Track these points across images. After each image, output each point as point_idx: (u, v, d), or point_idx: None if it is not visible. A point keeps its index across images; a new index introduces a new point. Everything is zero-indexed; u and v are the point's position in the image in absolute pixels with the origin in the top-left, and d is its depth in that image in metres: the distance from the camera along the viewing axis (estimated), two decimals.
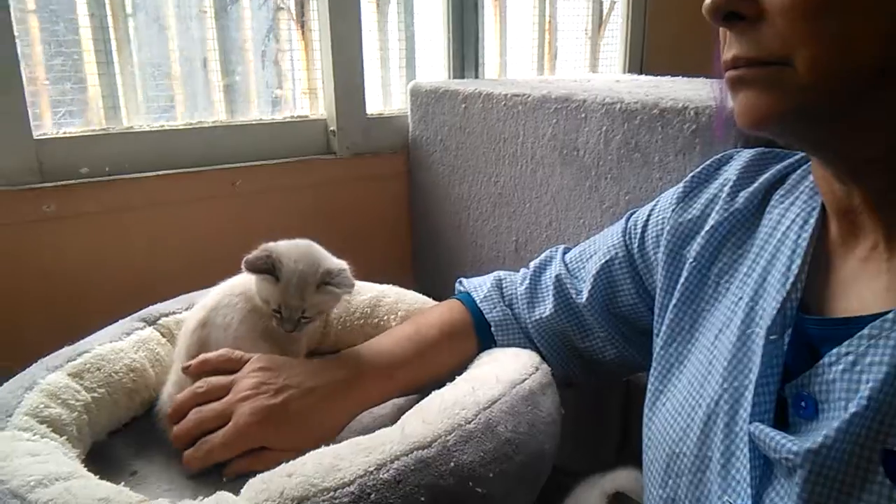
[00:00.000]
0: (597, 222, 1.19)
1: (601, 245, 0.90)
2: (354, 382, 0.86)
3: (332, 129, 1.55)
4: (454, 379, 0.90)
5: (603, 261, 0.88)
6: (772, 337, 0.56)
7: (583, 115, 1.19)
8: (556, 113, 1.24)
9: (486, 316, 0.99)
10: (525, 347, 0.97)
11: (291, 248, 0.92)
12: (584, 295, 0.90)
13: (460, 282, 1.12)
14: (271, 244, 0.94)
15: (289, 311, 0.88)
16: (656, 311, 0.76)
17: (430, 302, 1.15)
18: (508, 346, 0.98)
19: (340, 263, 0.96)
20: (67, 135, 1.28)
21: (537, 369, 0.94)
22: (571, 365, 0.97)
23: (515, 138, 1.33)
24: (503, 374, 0.90)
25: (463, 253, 1.52)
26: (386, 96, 1.74)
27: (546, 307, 0.94)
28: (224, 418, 0.80)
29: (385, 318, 1.15)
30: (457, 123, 1.47)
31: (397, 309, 1.15)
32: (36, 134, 1.23)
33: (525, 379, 0.91)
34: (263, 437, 0.78)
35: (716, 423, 0.60)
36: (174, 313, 1.08)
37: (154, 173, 1.32)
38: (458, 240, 1.52)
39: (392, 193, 1.64)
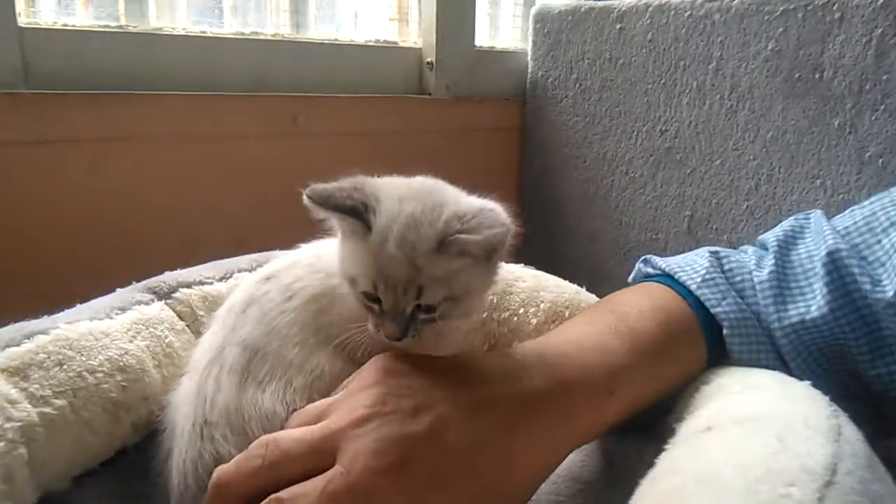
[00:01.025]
0: (851, 182, 0.77)
1: None
2: (558, 400, 0.51)
3: (428, 60, 1.15)
4: (677, 414, 0.55)
5: None
6: None
7: (835, 17, 0.77)
8: (785, 18, 0.82)
9: (714, 310, 0.63)
10: (770, 365, 0.62)
11: (398, 184, 0.55)
12: (890, 287, 0.57)
13: (646, 260, 0.71)
14: (362, 177, 0.54)
15: (391, 294, 0.49)
16: None
17: (589, 295, 0.73)
18: (748, 359, 0.62)
19: (485, 204, 0.56)
20: (67, 27, 0.89)
21: (836, 409, 0.52)
22: (841, 398, 0.58)
23: (705, 63, 0.92)
24: (810, 416, 0.48)
25: (600, 234, 1.10)
26: (493, 29, 1.35)
27: (812, 303, 0.61)
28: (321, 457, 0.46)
29: (520, 311, 0.74)
30: (605, 54, 1.06)
31: (538, 300, 0.74)
32: (22, 21, 0.84)
33: (841, 426, 0.49)
34: (397, 494, 0.43)
35: None
36: (202, 283, 0.69)
37: (185, 93, 0.92)
38: (591, 216, 1.11)
39: (500, 151, 1.24)
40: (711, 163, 0.95)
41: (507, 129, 1.27)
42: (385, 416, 0.45)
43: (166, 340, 0.60)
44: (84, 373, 0.53)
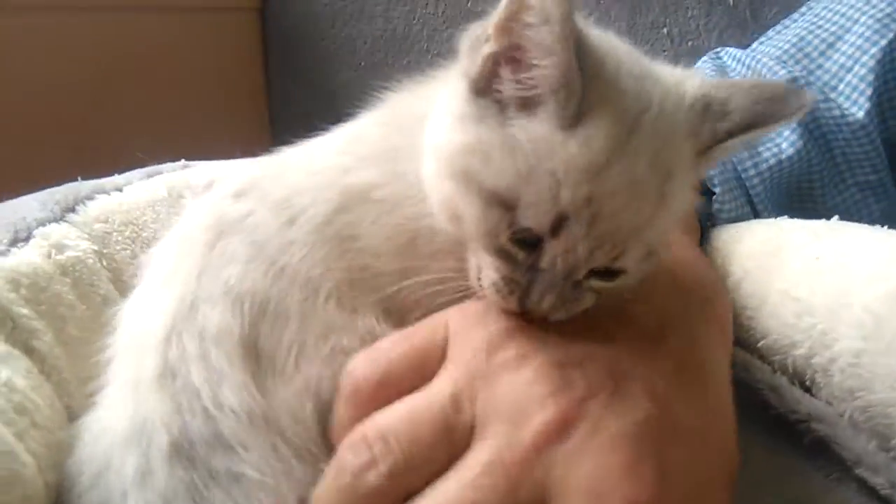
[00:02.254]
0: (701, 27, 0.73)
1: (844, 21, 0.58)
2: (715, 307, 0.39)
3: None
4: None
5: (882, 43, 0.55)
6: None
7: None
8: None
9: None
10: (746, 216, 0.57)
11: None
12: (859, 108, 0.56)
13: None
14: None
15: (578, 245, 0.30)
16: None
17: None
18: (735, 216, 0.57)
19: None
20: None
21: None
22: None
23: None
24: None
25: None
26: None
27: (783, 142, 0.58)
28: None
29: None
30: None
31: None
32: None
33: None
34: None
35: None
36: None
37: None
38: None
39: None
40: None
41: (244, 7, 0.97)
42: (588, 407, 0.27)
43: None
44: None
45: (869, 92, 0.56)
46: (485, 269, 0.30)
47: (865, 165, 0.58)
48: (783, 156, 0.58)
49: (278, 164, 0.36)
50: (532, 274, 0.30)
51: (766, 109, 0.31)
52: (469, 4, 0.84)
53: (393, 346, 0.30)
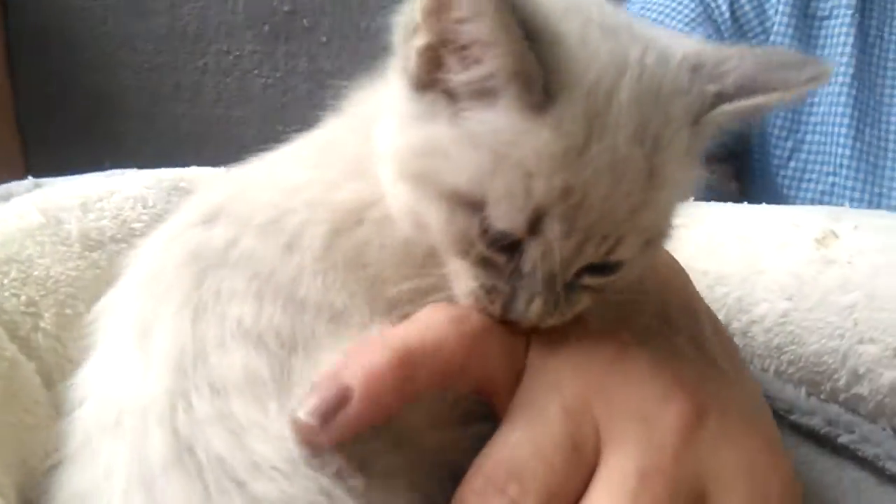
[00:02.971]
0: None
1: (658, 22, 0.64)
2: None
3: None
4: None
5: None
6: None
7: None
8: None
9: None
10: None
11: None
12: None
13: None
14: None
15: (566, 242, 0.26)
16: None
17: None
18: None
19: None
20: None
21: None
22: None
23: None
24: None
25: (200, 138, 0.81)
26: None
27: None
28: None
29: None
30: None
31: None
32: None
33: None
34: None
35: None
36: None
37: None
38: (176, 116, 0.79)
39: None
40: (353, 27, 0.79)
41: None
42: (708, 390, 0.26)
43: None
44: None
45: None
46: (462, 277, 0.27)
47: None
48: None
49: (240, 183, 0.29)
50: (515, 279, 0.26)
51: (770, 76, 0.28)
52: (275, 3, 0.77)
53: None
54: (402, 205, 0.27)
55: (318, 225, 0.26)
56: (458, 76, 0.26)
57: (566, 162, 0.25)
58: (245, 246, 0.27)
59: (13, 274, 0.28)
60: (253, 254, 0.26)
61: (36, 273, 0.28)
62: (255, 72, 0.81)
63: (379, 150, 0.28)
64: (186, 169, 0.44)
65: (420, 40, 0.25)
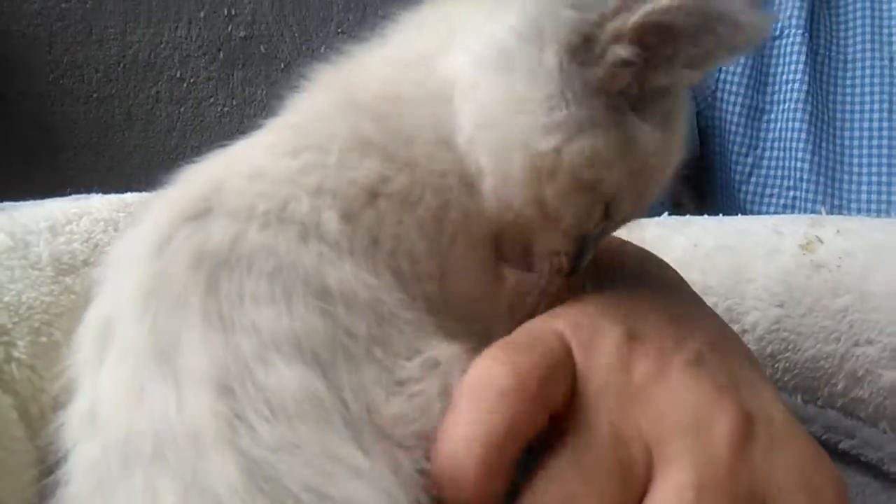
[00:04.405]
0: None
1: None
2: None
3: None
4: None
5: None
6: None
7: None
8: None
9: None
10: None
11: None
12: None
13: None
14: None
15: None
16: None
17: None
18: None
19: None
20: None
21: None
22: None
23: None
24: None
25: (152, 173, 0.78)
26: None
27: None
28: None
29: None
30: None
31: None
32: None
33: None
34: None
35: None
36: None
37: None
38: (126, 150, 0.76)
39: None
40: (312, 52, 0.78)
41: None
42: (747, 396, 0.26)
43: None
44: None
45: None
46: (548, 245, 0.28)
47: None
48: None
49: (212, 177, 0.27)
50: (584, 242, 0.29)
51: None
52: (230, 28, 0.75)
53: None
54: (525, 198, 0.27)
55: (326, 211, 0.25)
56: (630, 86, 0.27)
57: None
58: (252, 241, 0.24)
59: None
60: (262, 249, 0.24)
61: (6, 299, 0.26)
62: (211, 99, 0.79)
63: (486, 140, 0.27)
64: (152, 193, 0.42)
65: (624, 53, 0.26)
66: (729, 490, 0.22)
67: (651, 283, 0.31)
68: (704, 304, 0.33)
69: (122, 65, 0.75)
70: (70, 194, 0.79)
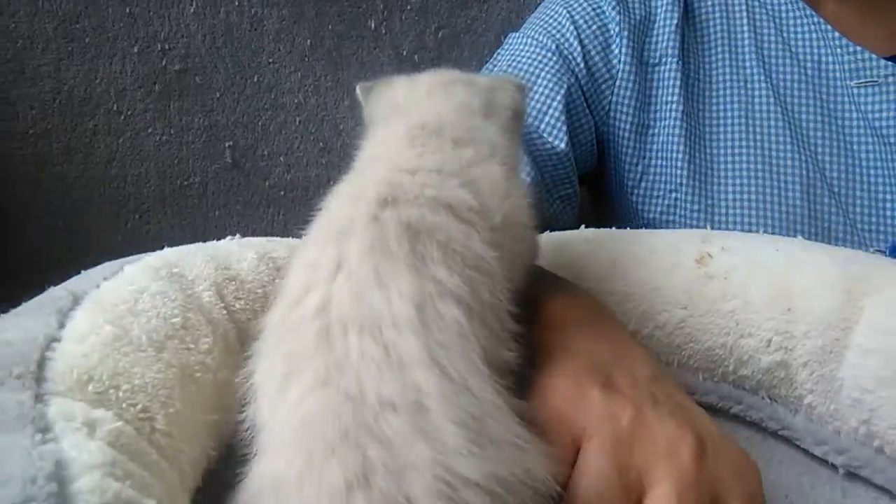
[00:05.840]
0: None
1: (530, 75, 0.75)
2: None
3: None
4: None
5: (562, 92, 0.75)
6: None
7: None
8: None
9: None
10: None
11: None
12: (560, 140, 0.75)
13: None
14: None
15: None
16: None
17: None
18: None
19: None
20: None
21: None
22: None
23: None
24: None
25: (90, 208, 0.79)
26: None
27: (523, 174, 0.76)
28: None
29: None
30: None
31: None
32: None
33: None
34: None
35: None
36: None
37: None
38: (69, 185, 0.77)
39: None
40: (245, 81, 0.82)
41: None
42: (691, 420, 0.37)
43: None
44: None
45: (564, 128, 0.72)
46: None
47: (566, 183, 0.77)
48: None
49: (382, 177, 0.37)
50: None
51: None
52: (164, 62, 0.78)
53: None
54: None
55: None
56: None
57: None
58: (429, 220, 0.33)
59: (124, 386, 0.31)
60: (435, 226, 0.33)
61: (136, 382, 0.32)
62: (149, 130, 0.81)
63: None
64: (161, 252, 0.47)
65: None
66: (697, 494, 0.32)
67: (597, 327, 0.42)
68: (627, 331, 0.44)
69: (57, 101, 0.76)
70: (9, 231, 0.81)
